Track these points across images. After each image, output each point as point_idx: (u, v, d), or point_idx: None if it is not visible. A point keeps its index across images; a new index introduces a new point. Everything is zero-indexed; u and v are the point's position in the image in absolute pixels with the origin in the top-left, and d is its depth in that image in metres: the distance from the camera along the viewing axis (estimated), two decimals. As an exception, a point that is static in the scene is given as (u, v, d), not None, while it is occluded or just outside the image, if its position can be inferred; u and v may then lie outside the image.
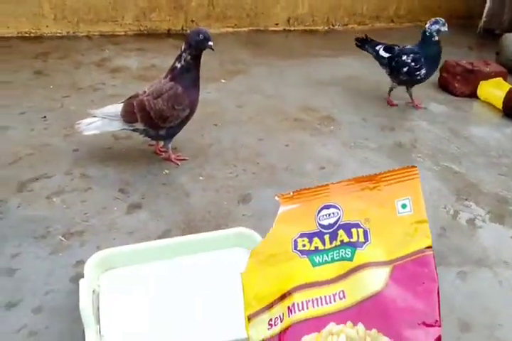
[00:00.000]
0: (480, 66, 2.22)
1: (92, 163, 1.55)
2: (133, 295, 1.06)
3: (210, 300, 1.05)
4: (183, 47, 1.44)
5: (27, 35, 2.55)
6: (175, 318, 1.00)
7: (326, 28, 3.09)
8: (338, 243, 0.39)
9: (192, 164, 1.59)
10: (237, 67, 2.38)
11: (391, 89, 2.07)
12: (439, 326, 0.35)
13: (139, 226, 1.30)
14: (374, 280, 0.36)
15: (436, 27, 1.90)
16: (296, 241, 0.40)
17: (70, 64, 2.25)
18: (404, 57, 1.96)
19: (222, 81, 2.22)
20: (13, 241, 1.21)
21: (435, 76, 2.18)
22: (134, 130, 1.52)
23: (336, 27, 3.10)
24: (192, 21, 2.81)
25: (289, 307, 0.37)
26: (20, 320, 1.00)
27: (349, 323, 0.35)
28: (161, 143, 1.61)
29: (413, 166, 0.40)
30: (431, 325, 0.34)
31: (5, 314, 1.02)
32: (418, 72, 1.95)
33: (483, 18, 2.98)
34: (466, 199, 1.50)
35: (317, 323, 0.36)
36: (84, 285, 1.01)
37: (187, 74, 1.45)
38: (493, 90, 2.13)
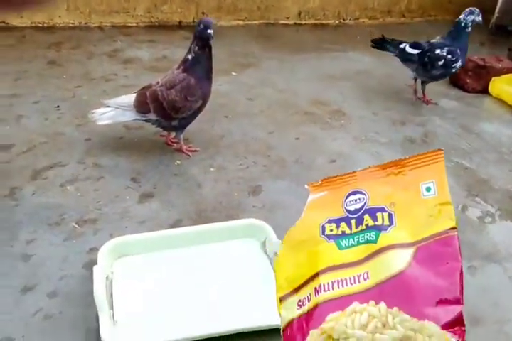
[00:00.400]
0: (492, 62, 2.22)
1: (104, 152, 1.56)
2: (146, 282, 1.07)
3: (220, 289, 1.06)
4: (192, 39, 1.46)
5: (40, 25, 2.56)
6: (186, 305, 1.02)
7: (337, 22, 3.08)
8: (364, 227, 0.40)
9: (203, 155, 1.60)
10: (247, 60, 2.39)
11: (415, 80, 2.08)
12: (461, 304, 0.36)
13: (150, 216, 1.31)
14: (397, 261, 0.37)
15: (471, 17, 1.89)
16: (323, 227, 0.41)
17: (82, 54, 2.27)
18: (438, 51, 1.93)
19: (233, 73, 2.23)
20: (28, 227, 1.23)
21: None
22: (146, 120, 1.53)
23: (347, 21, 3.09)
24: (203, 13, 2.81)
25: (315, 288, 0.39)
26: (36, 304, 1.02)
27: (371, 302, 0.37)
28: (173, 134, 1.62)
29: (439, 149, 0.41)
30: (452, 303, 0.35)
31: (21, 298, 1.04)
32: (454, 65, 1.94)
33: (496, 14, 2.96)
34: (477, 195, 1.50)
35: (341, 302, 0.37)
36: (98, 272, 1.02)
37: (199, 65, 1.46)
38: (505, 86, 2.13)
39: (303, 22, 3.01)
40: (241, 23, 2.90)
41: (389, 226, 0.39)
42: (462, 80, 2.23)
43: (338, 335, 0.36)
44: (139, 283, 1.07)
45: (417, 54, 1.97)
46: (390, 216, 0.40)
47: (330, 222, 0.41)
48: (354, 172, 0.43)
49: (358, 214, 0.41)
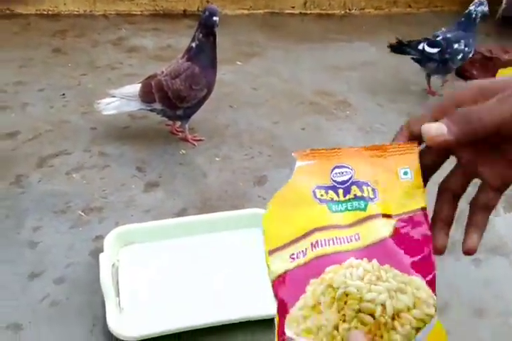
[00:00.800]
0: (498, 53, 2.20)
1: (110, 141, 1.57)
2: (152, 270, 1.08)
3: (224, 278, 1.07)
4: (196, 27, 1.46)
5: (45, 12, 2.54)
6: (191, 294, 1.03)
7: (343, 12, 3.05)
8: (352, 196, 0.44)
9: (208, 145, 1.60)
10: (252, 50, 2.37)
11: (429, 79, 2.07)
12: (434, 270, 0.40)
13: (156, 204, 1.32)
14: (383, 228, 0.41)
15: (482, 8, 1.88)
16: (314, 192, 0.44)
17: (87, 42, 2.26)
18: (456, 46, 1.92)
19: (238, 63, 2.22)
20: (34, 214, 1.24)
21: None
22: (151, 110, 1.53)
23: (353, 11, 3.07)
24: (207, 2, 2.79)
25: (312, 243, 0.42)
26: (43, 291, 1.03)
27: (365, 259, 0.40)
28: (178, 124, 1.62)
29: (413, 142, 0.45)
30: (429, 268, 0.40)
31: (28, 284, 1.05)
32: (470, 56, 1.97)
33: (503, 5, 2.92)
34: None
35: (338, 257, 0.41)
36: (104, 259, 1.03)
37: (203, 53, 1.46)
38: (511, 78, 2.12)
39: (308, 11, 2.99)
40: (246, 12, 2.88)
41: (374, 198, 0.43)
42: (468, 72, 2.22)
43: (338, 285, 0.39)
44: (145, 271, 1.08)
45: (438, 52, 1.93)
46: (373, 191, 0.43)
47: (319, 188, 0.44)
48: (339, 148, 0.46)
49: (345, 185, 0.44)
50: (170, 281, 1.05)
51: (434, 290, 0.40)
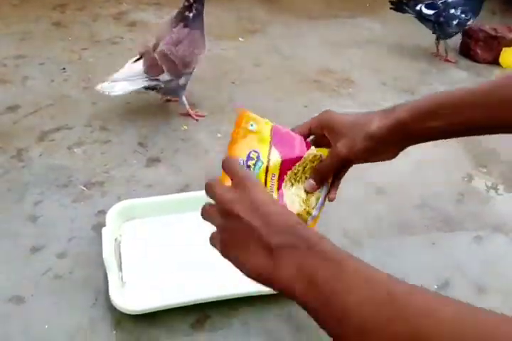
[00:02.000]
0: (503, 32, 2.17)
1: (111, 116, 1.55)
2: (154, 244, 1.08)
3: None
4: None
5: (44, -16, 2.50)
6: (193, 269, 1.03)
7: (346, -12, 3.00)
8: (253, 166, 0.71)
9: (209, 121, 1.59)
10: (254, 26, 2.34)
11: (438, 43, 2.15)
12: (308, 145, 0.76)
13: (158, 180, 1.31)
14: (274, 155, 0.72)
15: None
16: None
17: (87, 16, 2.22)
18: (452, 11, 2.02)
19: (240, 39, 2.19)
20: (35, 188, 1.23)
21: (456, 41, 2.15)
22: (153, 88, 1.50)
23: (356, -13, 3.02)
24: (208, -24, 2.73)
25: (272, 185, 0.72)
26: (46, 264, 1.04)
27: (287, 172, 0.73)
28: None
29: (238, 108, 0.75)
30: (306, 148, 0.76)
31: (30, 258, 1.05)
32: (468, 23, 2.06)
33: (510, -17, 2.89)
34: (485, 166, 1.49)
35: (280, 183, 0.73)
36: (106, 234, 1.03)
37: (197, 18, 1.50)
38: (516, 57, 2.10)
39: (310, -13, 2.94)
40: (248, -13, 2.83)
41: (259, 155, 0.72)
42: (473, 50, 2.19)
43: (296, 176, 0.74)
44: (148, 245, 1.08)
45: (433, 14, 2.04)
46: (255, 152, 0.72)
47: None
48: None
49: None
50: (172, 256, 1.06)
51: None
